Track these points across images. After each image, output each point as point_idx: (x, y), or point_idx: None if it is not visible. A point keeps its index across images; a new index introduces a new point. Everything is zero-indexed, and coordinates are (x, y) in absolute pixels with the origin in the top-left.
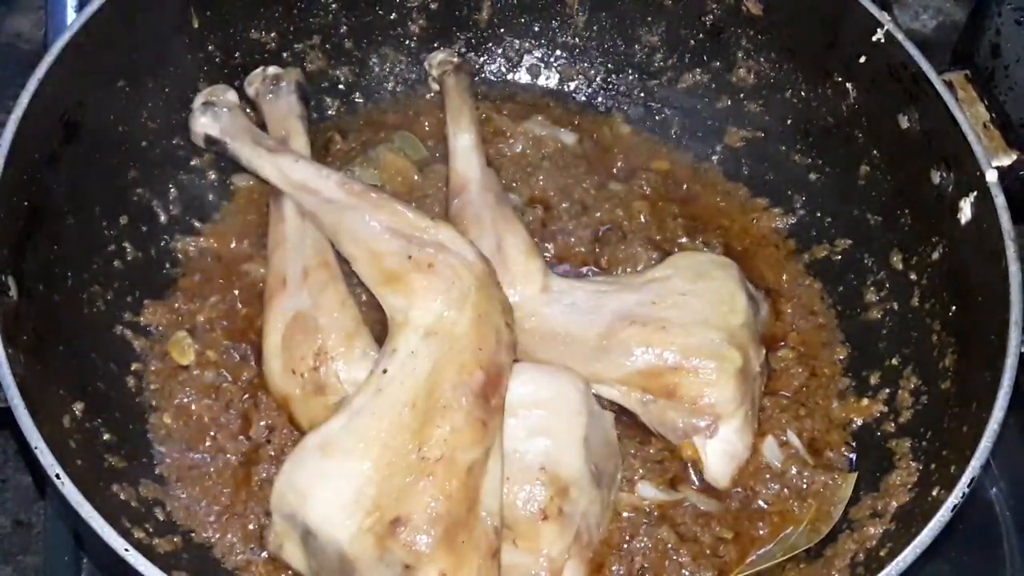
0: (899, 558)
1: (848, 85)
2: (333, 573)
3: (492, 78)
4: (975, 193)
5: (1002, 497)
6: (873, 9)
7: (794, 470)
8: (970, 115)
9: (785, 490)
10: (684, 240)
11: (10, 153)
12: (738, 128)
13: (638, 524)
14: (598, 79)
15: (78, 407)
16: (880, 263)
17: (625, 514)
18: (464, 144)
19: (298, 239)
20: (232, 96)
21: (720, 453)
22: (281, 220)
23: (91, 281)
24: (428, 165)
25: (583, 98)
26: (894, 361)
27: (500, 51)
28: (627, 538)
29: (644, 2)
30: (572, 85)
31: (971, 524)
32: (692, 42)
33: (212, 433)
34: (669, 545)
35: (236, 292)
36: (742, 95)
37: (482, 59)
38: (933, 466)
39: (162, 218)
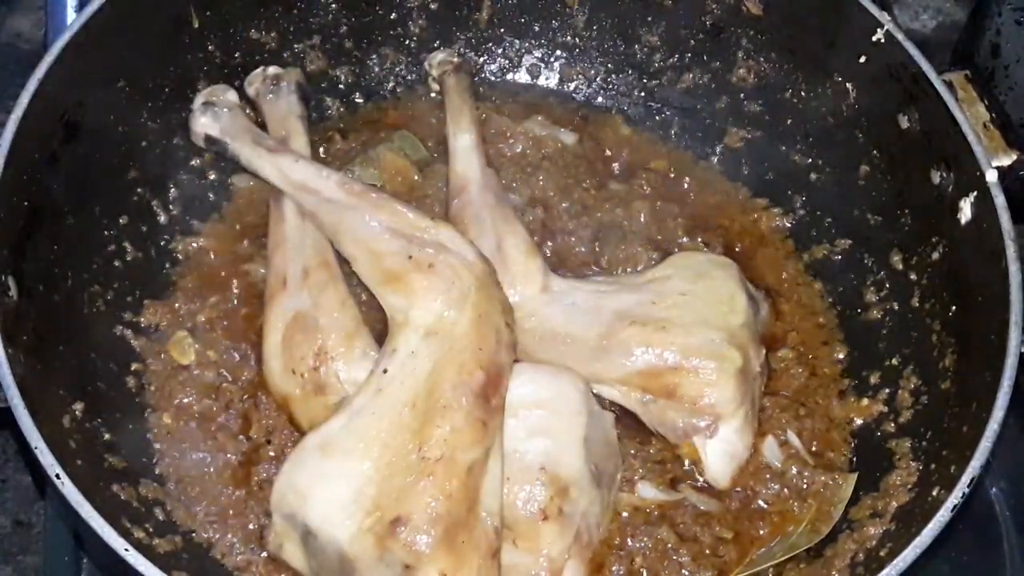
0: (899, 558)
1: (848, 85)
2: (333, 573)
3: (492, 78)
4: (975, 193)
5: (1002, 497)
6: (873, 9)
7: (794, 470)
8: (970, 115)
9: (785, 490)
10: (684, 240)
11: (10, 153)
12: (738, 128)
13: (638, 524)
14: (598, 79)
15: (78, 407)
16: (880, 263)
17: (625, 514)
18: (464, 144)
19: (298, 239)
20: (232, 96)
21: (720, 453)
22: (281, 220)
23: (91, 281)
24: (428, 165)
25: (583, 98)
26: (894, 361)
27: (500, 51)
28: (627, 538)
29: (644, 2)
30: (572, 85)
31: (971, 524)
32: (692, 42)
33: (212, 433)
34: (669, 545)
35: (236, 292)
36: (742, 95)
37: (482, 59)
38: (933, 466)
39: (162, 218)
